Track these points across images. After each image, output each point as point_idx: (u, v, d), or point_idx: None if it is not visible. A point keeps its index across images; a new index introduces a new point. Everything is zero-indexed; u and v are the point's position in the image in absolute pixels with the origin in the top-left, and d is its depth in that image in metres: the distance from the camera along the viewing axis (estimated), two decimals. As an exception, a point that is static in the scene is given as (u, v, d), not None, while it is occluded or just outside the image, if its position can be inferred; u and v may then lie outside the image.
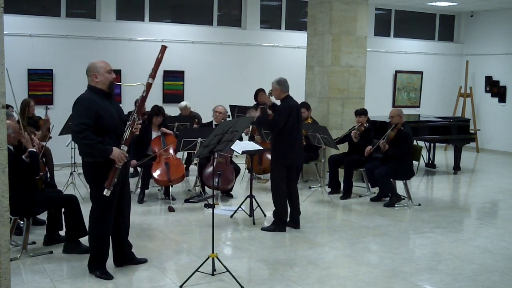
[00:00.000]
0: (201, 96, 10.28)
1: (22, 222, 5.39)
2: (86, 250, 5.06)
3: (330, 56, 8.85)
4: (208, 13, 11.23)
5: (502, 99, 12.98)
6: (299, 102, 7.56)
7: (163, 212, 6.97)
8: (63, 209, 5.30)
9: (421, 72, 13.54)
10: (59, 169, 8.59)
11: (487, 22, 13.36)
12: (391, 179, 7.42)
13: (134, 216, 6.42)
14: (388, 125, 7.82)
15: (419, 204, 7.51)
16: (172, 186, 7.45)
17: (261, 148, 6.77)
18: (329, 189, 8.02)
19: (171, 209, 6.93)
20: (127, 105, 9.40)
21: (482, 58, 13.40)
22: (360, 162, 7.78)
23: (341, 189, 7.96)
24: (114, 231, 4.73)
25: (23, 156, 5.04)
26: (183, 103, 9.17)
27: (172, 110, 9.95)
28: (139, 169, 8.04)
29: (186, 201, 7.39)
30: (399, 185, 7.66)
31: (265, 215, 6.66)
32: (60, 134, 7.76)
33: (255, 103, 9.35)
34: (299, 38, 11.32)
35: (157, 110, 7.60)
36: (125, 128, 4.50)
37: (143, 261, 4.95)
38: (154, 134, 7.64)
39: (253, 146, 6.71)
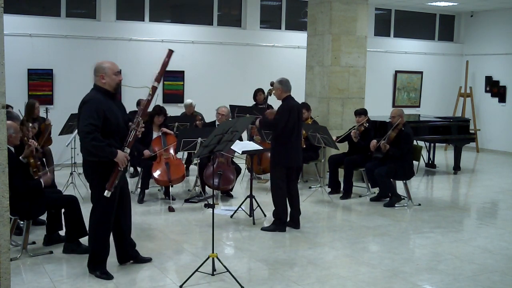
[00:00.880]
0: (201, 96, 10.27)
1: (22, 222, 5.39)
2: (86, 250, 5.07)
3: (330, 56, 8.84)
4: (208, 13, 11.23)
5: (502, 99, 12.98)
6: (300, 102, 7.57)
7: (163, 212, 6.97)
8: (63, 210, 5.30)
9: (421, 72, 13.54)
10: (59, 169, 8.59)
11: (487, 22, 13.36)
12: (391, 179, 7.42)
13: (134, 216, 6.39)
14: (388, 125, 7.82)
15: (419, 204, 7.51)
16: (172, 186, 7.45)
17: (261, 148, 6.77)
18: (329, 189, 8.02)
19: (171, 209, 6.93)
20: (128, 105, 9.39)
21: (482, 58, 13.40)
22: (360, 162, 7.78)
23: (341, 189, 7.96)
24: (116, 231, 4.75)
25: (21, 157, 5.05)
26: (188, 101, 9.18)
27: (172, 110, 9.95)
28: (139, 169, 8.05)
29: (186, 201, 7.39)
30: (399, 185, 7.66)
31: (265, 215, 6.66)
32: (60, 134, 7.77)
33: (254, 103, 9.37)
34: (299, 38, 11.32)
35: (159, 110, 7.61)
36: (129, 131, 4.50)
37: (148, 259, 4.96)
38: (155, 134, 7.64)
39: (253, 146, 6.71)
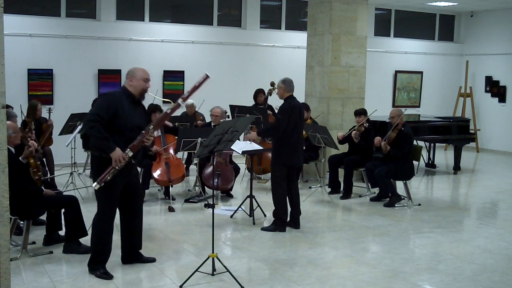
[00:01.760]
0: (201, 96, 10.23)
1: (22, 222, 5.39)
2: (86, 250, 5.08)
3: (330, 56, 8.85)
4: (208, 13, 11.23)
5: (502, 99, 12.98)
6: (300, 102, 7.56)
7: (163, 212, 6.97)
8: (63, 210, 5.30)
9: (421, 72, 13.54)
10: (59, 169, 8.59)
11: (487, 22, 13.36)
12: (391, 179, 7.42)
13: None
14: (388, 125, 7.82)
15: (419, 204, 7.51)
16: (172, 186, 7.45)
17: (261, 148, 6.77)
18: (329, 189, 8.02)
19: (171, 209, 6.94)
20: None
21: (482, 58, 13.40)
22: (360, 162, 7.78)
23: (341, 189, 7.96)
24: (124, 231, 4.78)
25: (20, 158, 5.04)
26: (189, 101, 9.17)
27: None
28: (139, 169, 8.05)
29: (186, 201, 7.39)
30: (399, 185, 7.66)
31: (265, 215, 6.66)
32: (60, 134, 7.77)
33: (254, 103, 9.36)
34: (299, 38, 11.32)
35: (153, 107, 7.62)
36: (138, 136, 4.53)
37: (151, 260, 4.97)
38: (155, 134, 7.63)
39: (253, 146, 6.71)
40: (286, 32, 11.88)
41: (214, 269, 4.61)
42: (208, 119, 9.20)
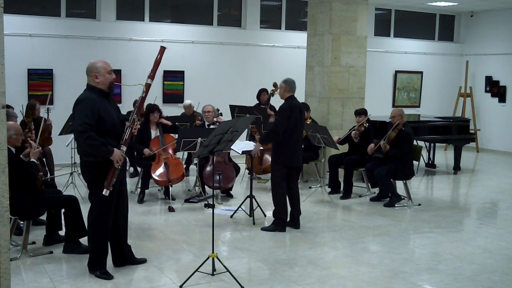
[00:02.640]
0: (201, 96, 10.26)
1: (22, 222, 5.40)
2: (86, 250, 5.07)
3: (330, 56, 8.84)
4: (208, 13, 11.23)
5: (502, 99, 12.98)
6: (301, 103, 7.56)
7: (163, 212, 6.97)
8: (63, 210, 5.30)
9: (421, 72, 13.54)
10: (59, 169, 8.59)
11: (487, 22, 13.36)
12: (391, 179, 7.42)
13: (134, 216, 6.43)
14: (388, 125, 7.82)
15: (419, 204, 7.51)
16: (171, 186, 7.45)
17: (261, 148, 6.77)
18: (329, 189, 8.02)
19: (171, 209, 6.93)
20: (127, 106, 9.41)
21: (482, 58, 13.40)
22: (360, 162, 7.78)
23: (341, 189, 7.96)
24: (112, 232, 4.74)
25: (21, 155, 5.04)
26: (187, 102, 9.18)
27: (172, 110, 9.97)
28: (139, 169, 8.05)
29: (186, 201, 7.39)
30: (399, 185, 7.66)
31: (265, 215, 6.66)
32: (60, 134, 7.77)
33: (257, 102, 9.36)
34: (299, 38, 11.32)
35: (151, 107, 7.63)
36: (125, 129, 4.52)
37: (143, 261, 4.96)
38: (153, 134, 7.64)
39: (253, 146, 6.71)
40: (286, 32, 11.88)
41: (214, 269, 4.61)
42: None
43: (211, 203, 6.44)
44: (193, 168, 9.19)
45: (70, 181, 7.62)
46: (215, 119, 7.94)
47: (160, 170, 7.24)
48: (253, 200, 6.64)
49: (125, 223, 4.82)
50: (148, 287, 4.47)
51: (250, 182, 6.90)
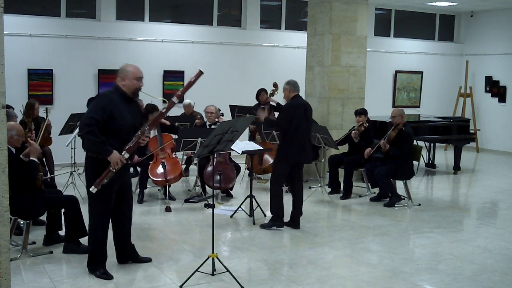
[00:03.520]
0: (201, 96, 10.27)
1: (22, 222, 5.39)
2: (86, 250, 5.07)
3: (330, 56, 8.84)
4: (208, 13, 11.23)
5: (502, 99, 12.98)
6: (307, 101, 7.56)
7: (163, 212, 6.97)
8: (63, 210, 5.30)
9: (421, 72, 13.54)
10: (59, 169, 8.59)
11: (487, 22, 13.36)
12: (391, 179, 7.42)
13: (134, 216, 6.37)
14: (388, 125, 7.81)
15: (419, 204, 7.51)
16: (170, 186, 7.45)
17: (261, 148, 6.77)
18: (329, 189, 8.02)
19: (168, 209, 6.93)
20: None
21: (482, 58, 13.40)
22: (360, 162, 7.78)
23: (341, 189, 7.96)
24: (116, 231, 4.77)
25: (21, 155, 5.04)
26: (187, 101, 9.17)
27: (172, 110, 9.89)
28: (139, 169, 8.05)
29: (186, 201, 7.39)
30: (399, 185, 7.66)
31: (265, 215, 6.66)
32: (60, 134, 7.77)
33: (257, 102, 9.36)
34: (299, 38, 11.32)
35: (151, 108, 7.61)
36: (134, 137, 4.49)
37: (147, 260, 4.97)
38: (152, 133, 7.62)
39: (253, 146, 6.71)
40: (286, 32, 11.88)
41: (214, 269, 4.61)
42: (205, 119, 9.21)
43: (211, 203, 6.44)
44: (193, 168, 9.19)
45: (70, 181, 7.61)
46: (216, 119, 7.94)
47: (158, 170, 7.23)
48: (253, 200, 6.65)
49: (126, 227, 4.84)
50: (148, 287, 4.47)
51: (250, 182, 6.90)
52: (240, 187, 8.38)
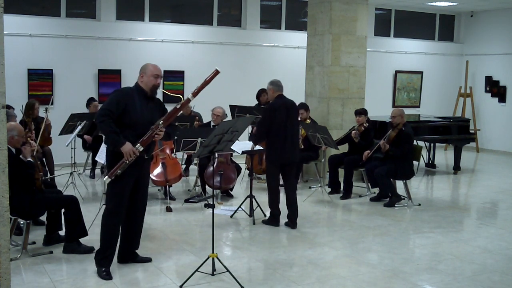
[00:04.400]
0: (201, 96, 10.26)
1: (22, 222, 5.39)
2: (86, 250, 5.10)
3: (330, 56, 8.84)
4: (208, 13, 11.23)
5: (502, 99, 12.98)
6: (299, 102, 7.57)
7: (163, 212, 6.97)
8: (63, 210, 5.30)
9: (421, 72, 13.54)
10: (59, 169, 8.59)
11: (487, 22, 13.36)
12: (391, 179, 7.42)
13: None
14: (388, 125, 7.82)
15: (419, 204, 7.51)
16: (170, 186, 7.45)
17: (261, 148, 6.77)
18: (329, 189, 8.02)
19: (168, 209, 6.93)
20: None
21: (482, 58, 13.40)
22: (360, 162, 7.78)
23: (341, 189, 7.96)
24: (124, 229, 4.78)
25: (21, 155, 5.04)
26: None
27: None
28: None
29: (186, 201, 7.39)
30: (399, 185, 7.66)
31: (265, 215, 6.65)
32: (60, 134, 7.77)
33: (257, 102, 9.36)
34: (299, 38, 11.32)
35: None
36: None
37: (147, 259, 4.97)
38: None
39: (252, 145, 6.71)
40: (286, 32, 11.88)
41: (214, 269, 4.61)
42: (207, 119, 9.20)
43: (211, 203, 6.45)
44: (193, 168, 9.19)
45: (70, 181, 7.61)
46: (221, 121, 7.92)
47: (158, 170, 7.24)
48: (253, 200, 6.65)
49: (139, 224, 4.89)
50: (148, 287, 4.47)
51: (250, 182, 6.90)
52: (240, 187, 8.38)
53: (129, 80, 9.57)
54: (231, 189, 7.78)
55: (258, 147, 6.70)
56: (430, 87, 13.67)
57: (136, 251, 4.97)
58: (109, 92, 5.64)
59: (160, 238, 5.84)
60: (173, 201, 7.37)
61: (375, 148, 7.38)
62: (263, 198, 7.23)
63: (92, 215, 5.99)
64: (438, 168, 10.60)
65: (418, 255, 5.48)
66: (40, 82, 9.62)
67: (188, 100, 4.71)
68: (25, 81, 9.53)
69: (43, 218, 5.52)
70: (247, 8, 11.43)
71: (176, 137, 6.57)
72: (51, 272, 4.71)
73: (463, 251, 5.56)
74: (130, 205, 4.73)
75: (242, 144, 6.69)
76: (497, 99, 13.09)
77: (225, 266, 4.59)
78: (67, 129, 7.71)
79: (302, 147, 7.98)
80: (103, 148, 5.92)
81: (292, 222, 6.23)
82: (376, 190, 7.79)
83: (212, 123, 8.02)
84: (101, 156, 6.07)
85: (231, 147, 5.99)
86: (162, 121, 4.58)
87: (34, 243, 5.38)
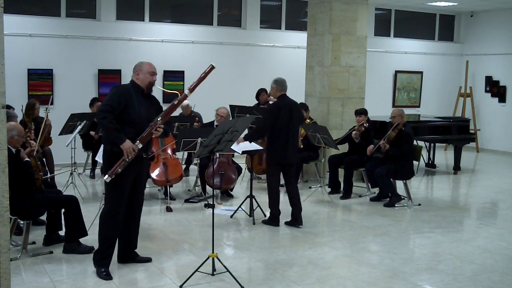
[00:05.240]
0: (201, 96, 10.26)
1: (22, 222, 5.39)
2: (86, 250, 5.09)
3: (330, 56, 8.84)
4: (208, 13, 11.23)
5: (502, 99, 12.98)
6: (299, 102, 7.56)
7: (163, 212, 6.97)
8: (63, 210, 5.30)
9: (421, 72, 13.54)
10: (59, 169, 8.58)
11: (487, 22, 13.36)
12: (391, 179, 7.42)
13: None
14: (388, 125, 7.82)
15: (419, 204, 7.51)
16: (171, 186, 7.45)
17: (261, 148, 6.77)
18: (329, 189, 8.02)
19: (168, 209, 6.93)
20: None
21: (482, 58, 13.40)
22: (360, 162, 7.78)
23: (341, 189, 7.96)
24: (122, 229, 4.77)
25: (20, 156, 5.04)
26: (185, 102, 9.17)
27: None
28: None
29: (186, 201, 7.39)
30: (399, 185, 7.66)
31: (265, 215, 6.65)
32: (60, 134, 7.77)
33: (257, 102, 9.36)
34: (299, 38, 11.32)
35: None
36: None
37: (147, 259, 4.97)
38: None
39: (253, 146, 6.71)
40: (286, 32, 11.88)
41: (214, 269, 4.61)
42: (207, 119, 9.20)
43: (211, 203, 6.45)
44: (193, 168, 9.19)
45: (70, 181, 7.61)
46: None
47: (159, 170, 7.24)
48: (253, 200, 6.65)
49: (136, 224, 4.89)
50: (148, 287, 4.47)
51: (250, 182, 6.90)
52: (240, 187, 8.38)
53: (129, 80, 9.54)
54: (231, 189, 7.78)
55: (258, 147, 6.70)
56: (430, 87, 13.67)
57: (136, 251, 4.97)
58: (109, 92, 5.61)
59: (160, 238, 5.84)
60: (173, 201, 7.37)
61: (376, 147, 7.37)
62: (263, 198, 7.23)
63: (92, 215, 5.99)
64: (438, 168, 10.60)
65: (418, 255, 5.48)
66: (40, 82, 9.62)
67: (185, 96, 4.73)
68: (25, 81, 9.53)
69: (43, 218, 5.52)
70: (247, 8, 11.43)
71: (176, 138, 6.56)
72: (51, 272, 4.71)
73: (463, 251, 5.56)
74: (127, 205, 4.71)
75: (242, 144, 6.69)
76: (497, 99, 13.09)
77: (225, 266, 4.59)
78: (67, 129, 7.71)
79: (302, 146, 7.98)
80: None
81: (296, 220, 6.24)
82: (376, 190, 7.79)
83: (215, 123, 8.02)
84: (101, 156, 6.07)
85: (231, 147, 6.00)
86: (160, 118, 4.59)
87: (34, 243, 5.38)
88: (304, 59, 9.50)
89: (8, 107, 6.00)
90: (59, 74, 9.80)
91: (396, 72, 13.23)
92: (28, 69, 9.53)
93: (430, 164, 10.62)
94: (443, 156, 12.23)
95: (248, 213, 6.63)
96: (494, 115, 13.12)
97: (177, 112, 9.50)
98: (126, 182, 4.58)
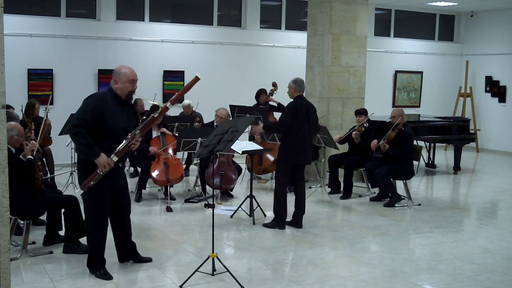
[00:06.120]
0: (201, 96, 10.27)
1: (22, 222, 5.40)
2: (86, 250, 5.07)
3: (330, 56, 8.84)
4: (208, 13, 11.23)
5: (502, 99, 12.98)
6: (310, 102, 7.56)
7: (163, 212, 6.97)
8: (62, 210, 5.30)
9: (421, 72, 13.54)
10: (59, 169, 8.59)
11: (487, 22, 13.36)
12: (391, 179, 7.42)
13: (134, 216, 6.41)
14: (388, 125, 7.82)
15: (419, 204, 7.51)
16: (172, 186, 7.45)
17: (261, 148, 6.77)
18: (329, 189, 8.02)
19: (168, 209, 6.93)
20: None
21: (482, 58, 13.40)
22: (360, 162, 7.78)
23: (341, 189, 7.96)
24: (117, 230, 4.77)
25: (21, 156, 5.04)
26: (186, 102, 9.18)
27: (172, 110, 9.91)
28: (139, 169, 8.05)
29: (186, 201, 7.39)
30: (399, 185, 7.66)
31: (265, 215, 6.66)
32: (60, 134, 7.77)
33: (256, 103, 9.36)
34: (299, 38, 11.32)
35: (156, 109, 7.58)
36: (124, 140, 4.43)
37: (148, 259, 4.97)
38: (154, 134, 7.64)
39: (253, 146, 6.72)
40: (286, 32, 11.88)
41: (214, 269, 4.61)
42: (207, 119, 9.20)
43: (211, 203, 6.45)
44: (193, 168, 9.19)
45: (70, 181, 7.62)
46: None
47: (160, 170, 7.24)
48: (253, 200, 6.65)
49: (127, 224, 4.84)
50: (149, 287, 4.47)
51: (250, 182, 6.90)
52: (240, 187, 8.38)
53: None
54: (231, 189, 7.78)
55: (258, 147, 6.70)
56: (430, 87, 13.67)
57: (137, 250, 4.96)
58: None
59: (160, 238, 5.84)
60: (173, 201, 7.37)
61: (377, 146, 7.36)
62: (263, 198, 7.24)
63: (92, 215, 5.98)
64: (438, 168, 10.60)
65: (418, 255, 5.48)
66: (40, 82, 9.62)
67: (166, 108, 4.55)
68: (25, 81, 9.53)
69: (43, 218, 5.52)
70: (247, 8, 11.44)
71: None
72: (51, 272, 4.71)
73: (463, 251, 5.56)
74: (114, 208, 4.64)
75: (242, 144, 6.69)
76: (497, 99, 13.09)
77: (225, 266, 4.59)
78: (67, 129, 7.70)
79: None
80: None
81: (297, 222, 6.23)
82: (376, 190, 7.79)
83: (215, 124, 8.02)
84: None
85: (231, 147, 5.99)
86: (138, 131, 4.42)
87: (34, 243, 5.38)
88: (304, 59, 9.50)
89: (8, 107, 6.00)
90: (59, 74, 9.80)
91: (396, 72, 13.23)
92: (28, 69, 9.53)
93: (430, 164, 10.62)
94: (443, 156, 12.23)
95: (248, 213, 6.63)
96: (494, 115, 13.12)
97: (178, 111, 9.52)
98: (102, 193, 4.45)
